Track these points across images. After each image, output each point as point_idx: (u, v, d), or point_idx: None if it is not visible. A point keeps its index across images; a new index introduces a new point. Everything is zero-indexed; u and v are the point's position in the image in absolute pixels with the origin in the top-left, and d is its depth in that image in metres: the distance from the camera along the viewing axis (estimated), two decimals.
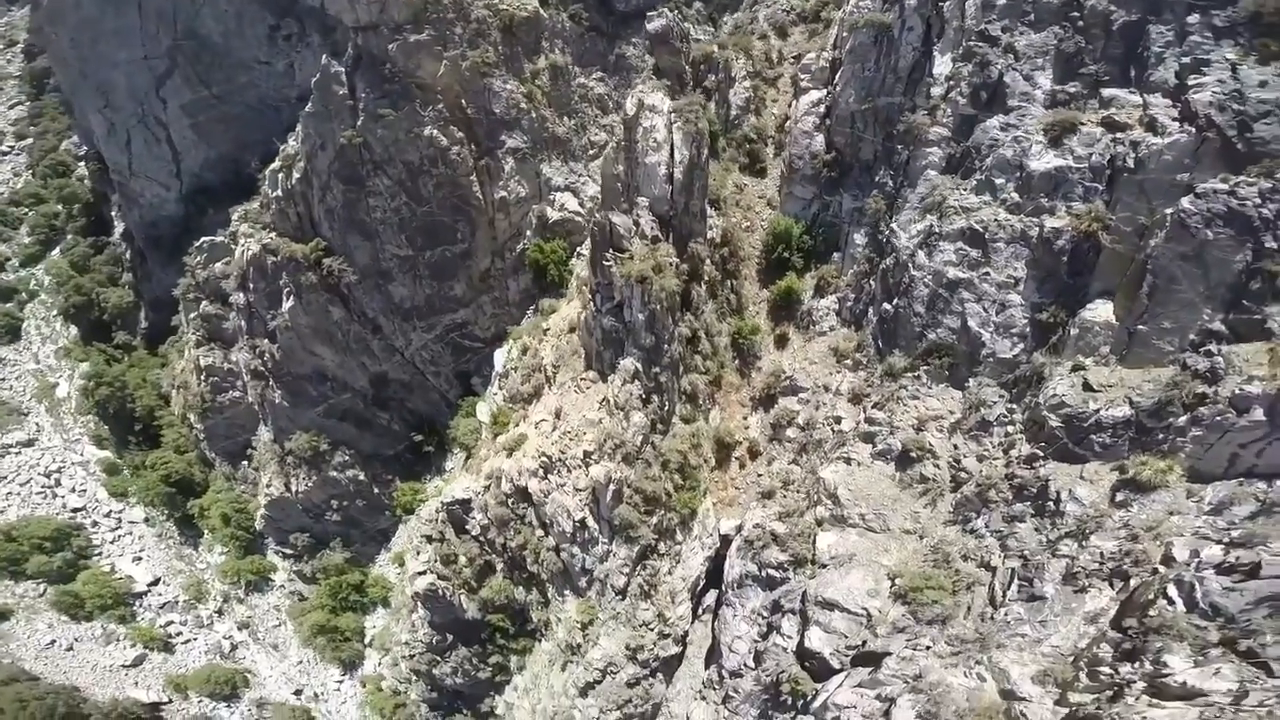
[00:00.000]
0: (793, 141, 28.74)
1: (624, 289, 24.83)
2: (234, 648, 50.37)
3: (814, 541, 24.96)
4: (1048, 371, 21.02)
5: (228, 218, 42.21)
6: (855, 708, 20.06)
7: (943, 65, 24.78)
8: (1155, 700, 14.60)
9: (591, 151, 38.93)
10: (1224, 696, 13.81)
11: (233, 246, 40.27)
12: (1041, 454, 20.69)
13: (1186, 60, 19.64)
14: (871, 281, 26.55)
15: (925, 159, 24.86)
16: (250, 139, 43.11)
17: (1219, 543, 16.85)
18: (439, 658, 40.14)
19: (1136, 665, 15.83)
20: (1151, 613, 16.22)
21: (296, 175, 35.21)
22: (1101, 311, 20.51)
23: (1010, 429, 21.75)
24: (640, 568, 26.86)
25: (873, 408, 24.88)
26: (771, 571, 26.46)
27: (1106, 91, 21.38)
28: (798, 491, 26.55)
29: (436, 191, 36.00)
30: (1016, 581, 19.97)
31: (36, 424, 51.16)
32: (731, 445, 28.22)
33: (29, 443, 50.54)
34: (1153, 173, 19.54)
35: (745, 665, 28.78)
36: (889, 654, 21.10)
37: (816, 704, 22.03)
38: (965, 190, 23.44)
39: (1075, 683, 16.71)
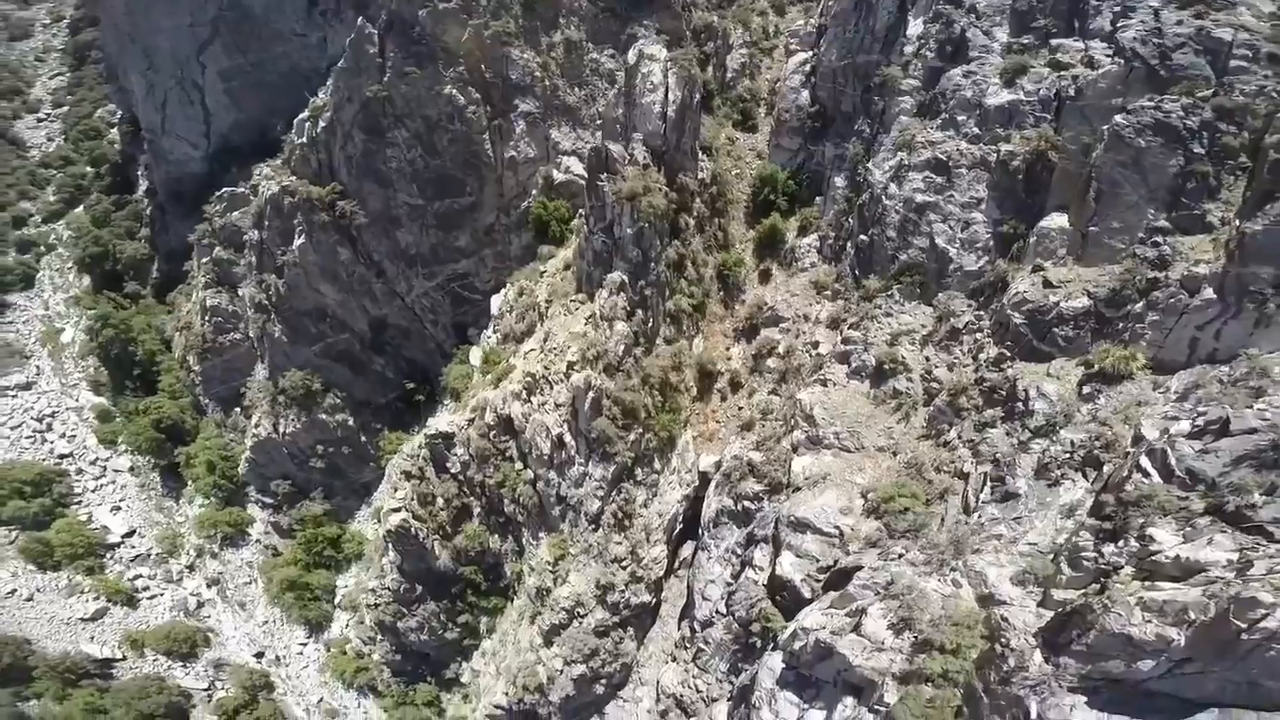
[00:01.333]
0: (781, 98, 31.92)
1: (614, 207, 27.22)
2: (200, 605, 50.32)
3: (789, 466, 25.87)
4: (1010, 276, 22.98)
5: (250, 175, 45.49)
6: (824, 628, 19.71)
7: (915, 27, 28.04)
8: (1149, 582, 13.91)
9: (599, 121, 42.35)
10: (1226, 569, 13.05)
11: (252, 198, 43.32)
12: (1008, 354, 22.28)
13: (1118, 9, 22.67)
14: (850, 219, 28.92)
15: (898, 107, 27.75)
16: (279, 105, 46.89)
17: (1188, 420, 16.77)
18: (405, 610, 40.23)
19: (1121, 545, 15.41)
20: (1128, 487, 15.99)
21: (322, 124, 38.52)
22: (1057, 220, 22.69)
23: (979, 335, 23.46)
24: (616, 492, 27.87)
25: (849, 329, 26.65)
26: (748, 504, 27.24)
27: (1054, 41, 24.36)
28: (776, 420, 27.89)
29: (450, 146, 39.15)
30: (989, 484, 20.77)
31: (37, 367, 53.01)
32: (714, 375, 29.78)
33: (27, 386, 52.20)
34: (1091, 99, 22.19)
35: (716, 613, 29.09)
36: (860, 568, 21.01)
37: (785, 636, 21.78)
38: (931, 128, 26.14)
39: (1057, 578, 16.52)
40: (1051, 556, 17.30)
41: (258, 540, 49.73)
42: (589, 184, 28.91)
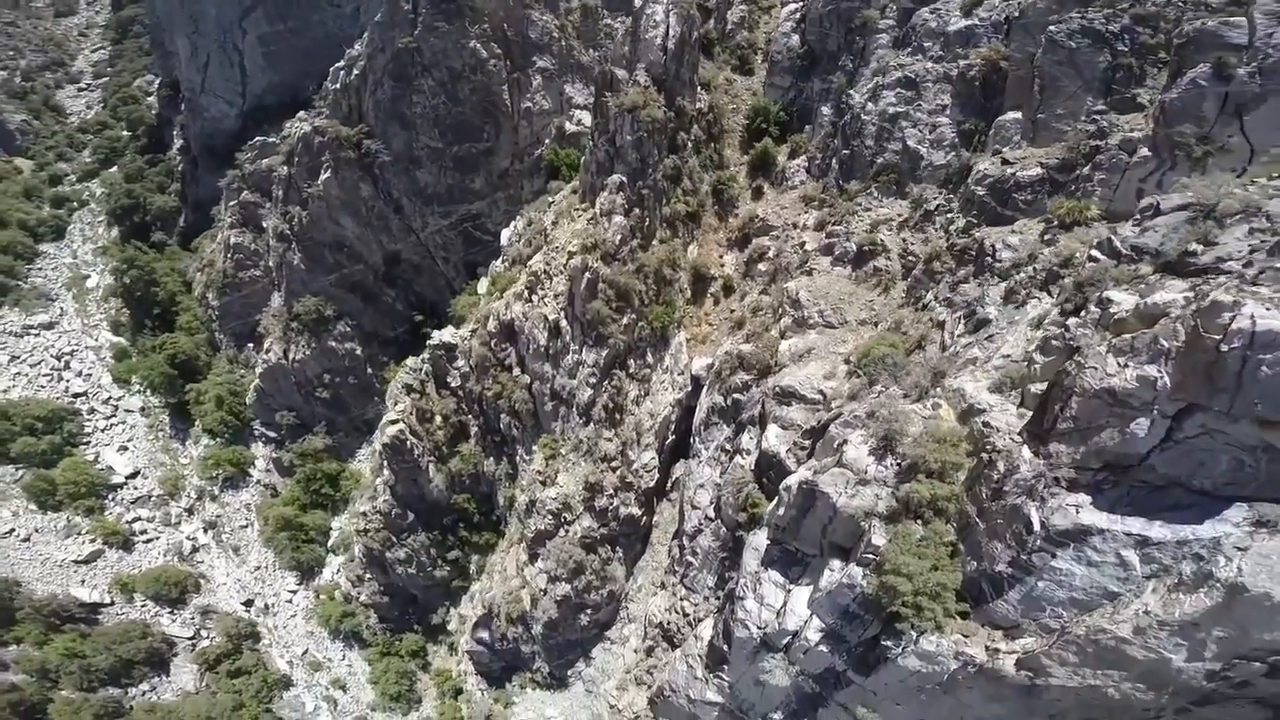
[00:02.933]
0: (773, 42, 36.36)
1: (617, 118, 31.17)
2: (194, 550, 52.31)
3: (776, 350, 28.68)
4: (973, 162, 26.44)
5: (281, 130, 50.44)
6: (806, 475, 19.97)
7: None
8: (1116, 335, 14.00)
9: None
10: (1184, 306, 12.92)
11: (281, 147, 48.00)
12: (975, 221, 25.44)
13: None
14: (835, 140, 32.70)
15: (876, 43, 31.96)
16: (311, 69, 52.48)
17: (1131, 221, 18.33)
18: (395, 539, 42.12)
19: (1084, 315, 15.87)
20: (1082, 273, 17.57)
21: (355, 72, 43.43)
22: (1011, 115, 26.30)
23: (949, 214, 26.70)
24: (608, 380, 30.62)
25: (833, 225, 30.01)
26: (738, 395, 29.77)
27: None
28: (765, 314, 30.88)
29: (471, 95, 43.81)
30: (962, 321, 23.39)
31: (61, 309, 57.07)
32: (708, 280, 33.01)
33: (50, 325, 56.12)
34: (1032, 18, 26.27)
35: (705, 518, 31.01)
36: (840, 415, 22.14)
37: (768, 509, 22.34)
38: (903, 55, 30.22)
39: (1031, 370, 16.80)
40: (1025, 361, 17.26)
41: (258, 481, 52.18)
42: (595, 102, 33.06)
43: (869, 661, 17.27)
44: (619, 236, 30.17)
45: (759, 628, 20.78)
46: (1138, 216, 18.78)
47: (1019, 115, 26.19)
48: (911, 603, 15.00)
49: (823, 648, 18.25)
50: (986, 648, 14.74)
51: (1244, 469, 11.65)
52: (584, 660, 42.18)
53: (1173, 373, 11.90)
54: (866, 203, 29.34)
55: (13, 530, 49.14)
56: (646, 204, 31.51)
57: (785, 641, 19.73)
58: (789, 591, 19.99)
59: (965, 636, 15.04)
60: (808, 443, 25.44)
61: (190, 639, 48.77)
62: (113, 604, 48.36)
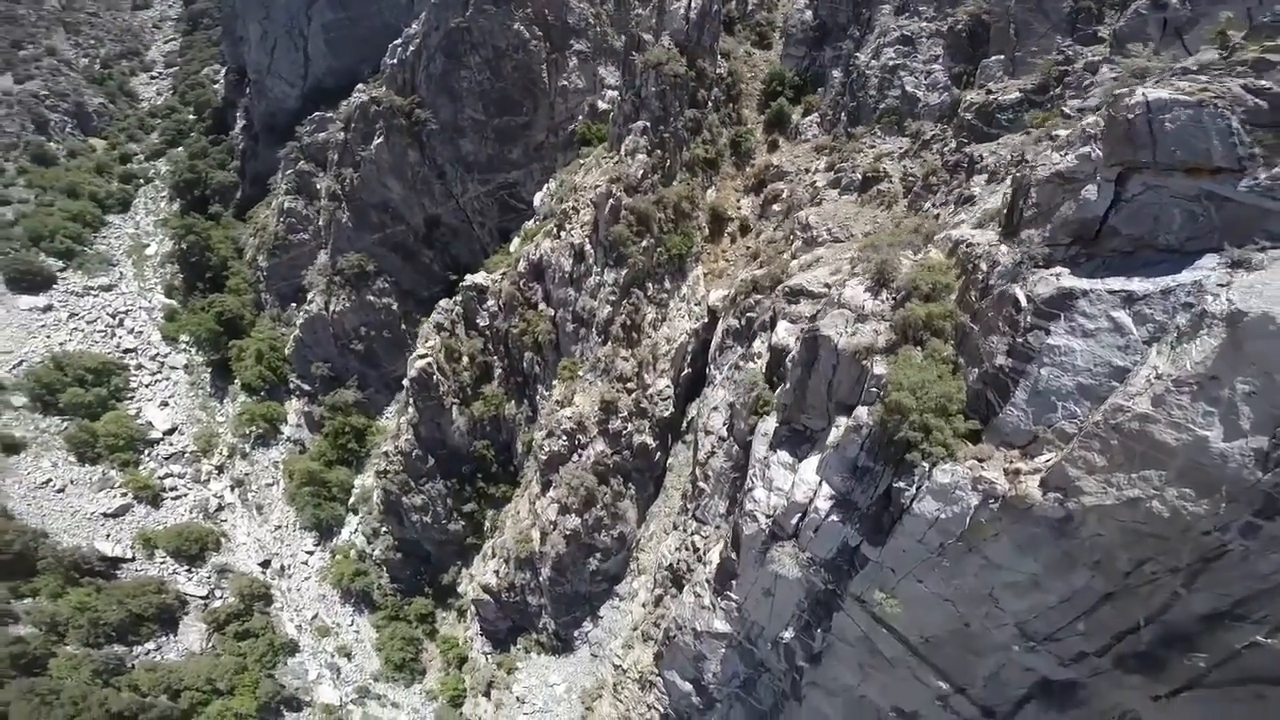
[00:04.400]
0: (788, 18, 43.00)
1: (642, 73, 37.68)
2: (220, 509, 58.20)
3: (787, 268, 33.66)
4: (962, 98, 31.85)
5: (337, 107, 58.98)
6: (808, 328, 22.93)
7: None
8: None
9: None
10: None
11: (338, 121, 56.33)
12: (965, 140, 30.63)
13: None
14: (844, 97, 38.57)
15: (880, 13, 38.23)
16: (367, 55, 61.47)
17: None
18: (414, 483, 47.20)
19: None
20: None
21: (411, 48, 51.68)
22: (994, 57, 31.82)
23: (943, 141, 31.96)
24: (626, 298, 35.93)
25: (840, 163, 35.47)
26: (750, 315, 34.90)
27: None
28: (779, 244, 36.12)
29: (513, 73, 51.49)
30: (952, 205, 28.08)
31: (120, 273, 65.67)
32: (725, 220, 38.54)
33: (108, 287, 64.66)
34: None
35: (718, 442, 35.54)
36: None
37: (776, 394, 26.10)
38: (901, 19, 36.29)
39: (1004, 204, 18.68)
40: (1001, 204, 18.21)
41: (288, 438, 58.34)
42: (623, 61, 39.78)
43: (882, 525, 17.61)
44: (641, 172, 36.15)
45: (768, 516, 22.68)
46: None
47: (1001, 57, 31.79)
48: (919, 423, 15.25)
49: (834, 518, 19.29)
50: (1005, 471, 14.37)
51: (1198, 220, 12.62)
52: (591, 619, 45.83)
53: (1103, 146, 14.01)
54: (870, 141, 34.85)
55: (50, 481, 55.24)
56: (668, 147, 37.60)
57: (795, 522, 21.19)
58: (797, 469, 21.21)
59: (980, 461, 14.74)
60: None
61: (204, 598, 53.34)
62: (133, 559, 53.34)
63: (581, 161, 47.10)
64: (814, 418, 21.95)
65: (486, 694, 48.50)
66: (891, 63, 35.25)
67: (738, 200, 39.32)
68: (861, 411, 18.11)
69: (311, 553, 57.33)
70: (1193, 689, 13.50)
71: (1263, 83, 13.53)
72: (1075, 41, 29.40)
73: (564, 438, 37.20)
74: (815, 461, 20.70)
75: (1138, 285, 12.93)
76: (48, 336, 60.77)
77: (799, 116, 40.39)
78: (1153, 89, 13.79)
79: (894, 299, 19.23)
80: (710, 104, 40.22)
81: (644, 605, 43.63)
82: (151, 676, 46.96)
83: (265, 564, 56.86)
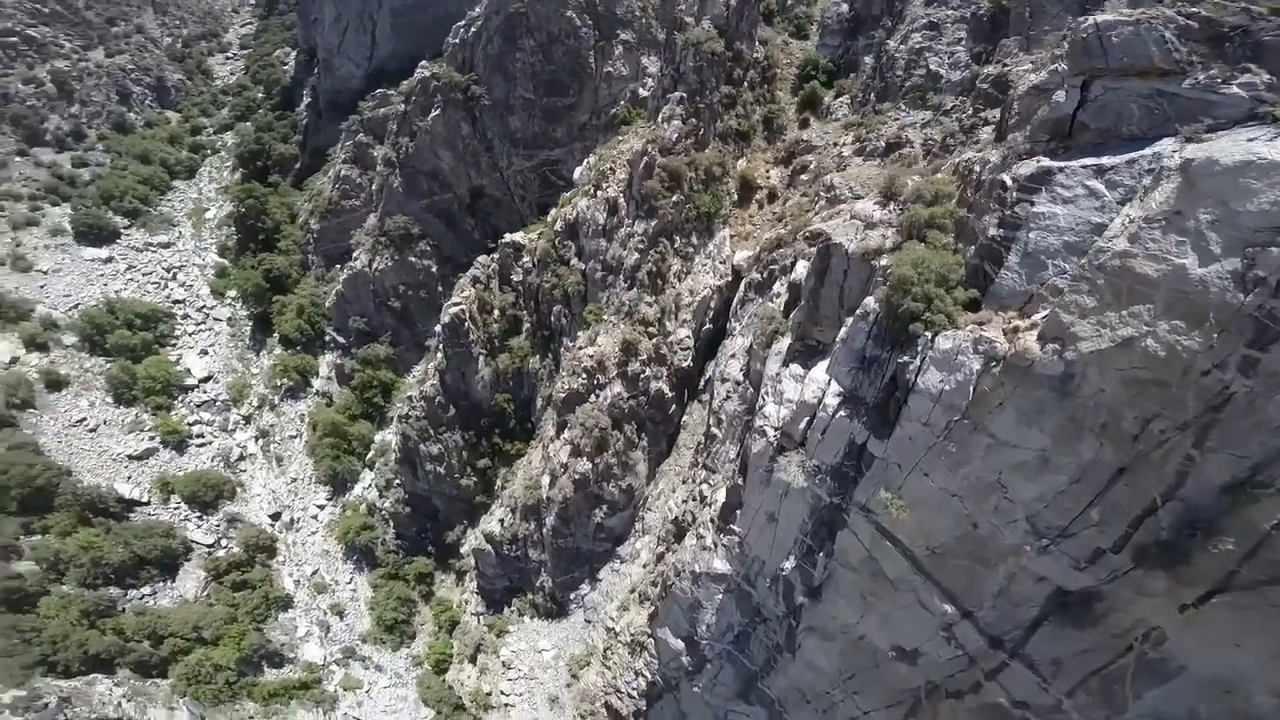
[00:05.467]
0: (825, 10, 48.18)
1: (682, 51, 42.94)
2: (241, 458, 63.27)
3: (809, 224, 37.65)
4: (982, 73, 35.97)
5: (398, 86, 66.24)
6: (821, 234, 27.30)
7: None
8: None
9: None
10: None
11: (398, 98, 63.36)
12: (981, 107, 34.41)
13: None
14: (874, 80, 43.10)
15: (911, 4, 43.00)
16: (428, 41, 68.87)
17: None
18: (433, 431, 51.39)
19: None
20: None
21: (472, 29, 58.49)
22: (1012, 39, 36.04)
23: (961, 110, 35.97)
24: (654, 248, 40.32)
25: (866, 134, 39.72)
26: (773, 266, 38.91)
27: None
28: (803, 205, 40.20)
29: (564, 57, 57.68)
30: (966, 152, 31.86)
31: (179, 233, 73.31)
32: (754, 188, 42.92)
33: (166, 245, 72.39)
34: None
35: (734, 386, 39.30)
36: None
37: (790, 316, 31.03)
38: (930, 8, 40.96)
39: (1006, 116, 20.50)
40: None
41: (317, 391, 63.68)
42: (665, 40, 45.19)
43: (888, 415, 19.11)
44: (675, 136, 41.03)
45: (776, 429, 24.44)
46: None
47: (1018, 37, 35.92)
48: (921, 294, 16.95)
49: (841, 414, 20.96)
50: (1004, 330, 15.82)
51: (1154, 113, 14.84)
52: (589, 582, 48.70)
53: (1067, 62, 17.05)
54: (895, 115, 39.10)
55: (84, 420, 60.92)
56: (702, 118, 42.52)
57: (803, 427, 22.91)
58: (803, 381, 23.12)
59: (980, 325, 16.25)
60: None
61: (209, 546, 57.51)
62: (148, 503, 58.09)
63: (620, 137, 52.56)
64: (826, 329, 23.67)
65: (472, 659, 51.37)
66: (918, 46, 39.73)
67: (767, 170, 43.74)
68: (868, 300, 19.79)
69: (322, 507, 61.61)
70: (1223, 592, 13.37)
71: (1193, 9, 17.56)
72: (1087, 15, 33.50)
73: (583, 376, 41.13)
74: (825, 364, 22.16)
75: (1106, 160, 15.13)
76: (105, 284, 68.28)
77: (830, 98, 45.01)
78: (1100, 15, 17.57)
79: (900, 209, 21.94)
80: (745, 83, 45.24)
81: (644, 566, 46.40)
82: (138, 621, 49.70)
83: (275, 516, 61.27)
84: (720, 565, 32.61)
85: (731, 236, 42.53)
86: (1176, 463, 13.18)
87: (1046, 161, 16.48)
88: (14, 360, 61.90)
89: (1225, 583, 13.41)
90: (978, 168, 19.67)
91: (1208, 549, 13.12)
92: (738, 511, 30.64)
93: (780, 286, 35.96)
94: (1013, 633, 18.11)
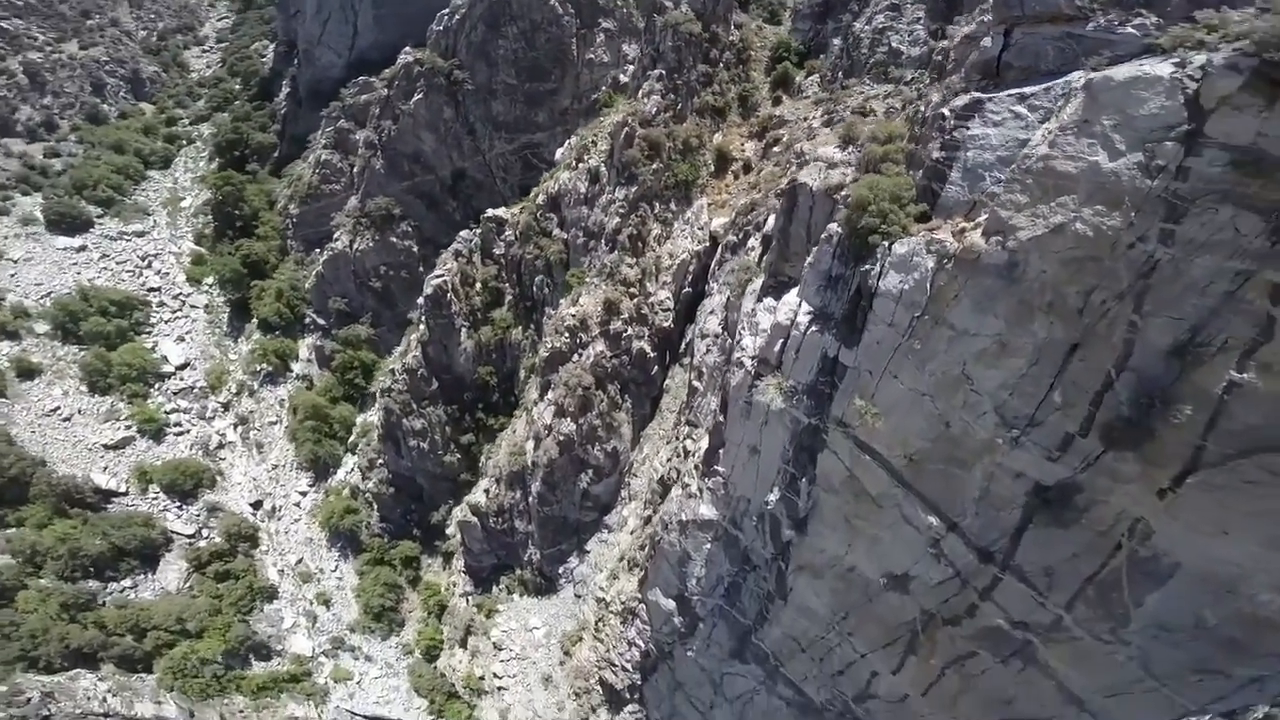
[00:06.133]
0: None
1: (661, 31, 46.42)
2: (220, 446, 64.44)
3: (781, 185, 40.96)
4: (937, 48, 39.67)
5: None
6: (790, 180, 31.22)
7: None
8: None
9: None
10: None
11: (383, 80, 66.14)
12: (936, 76, 38.06)
13: None
14: (841, 59, 46.89)
15: None
16: (409, 32, 71.83)
17: None
18: (415, 405, 53.39)
19: None
20: None
21: (456, 17, 61.68)
22: (965, 16, 39.90)
23: (921, 83, 39.55)
24: (635, 213, 43.24)
25: (834, 107, 43.24)
26: (747, 227, 42.03)
27: None
28: (775, 173, 43.42)
29: (545, 44, 61.07)
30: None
31: (154, 221, 74.93)
32: (730, 160, 46.17)
33: (141, 234, 73.89)
34: None
35: (714, 340, 41.96)
36: None
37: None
38: None
39: (944, 63, 23.62)
40: None
41: (296, 376, 65.28)
42: (645, 25, 48.65)
43: (855, 323, 21.29)
44: (654, 109, 44.31)
45: (753, 358, 26.97)
46: None
47: (971, 15, 39.81)
48: (877, 210, 19.59)
49: (813, 329, 23.25)
50: (953, 233, 18.27)
51: (1065, 52, 17.03)
52: (577, 554, 50.72)
53: (991, 14, 19.73)
54: (860, 89, 42.73)
55: (58, 409, 61.62)
56: (680, 94, 45.91)
57: (778, 350, 25.28)
58: (779, 304, 25.72)
59: (931, 231, 18.74)
60: None
61: (190, 537, 58.21)
62: (126, 493, 58.78)
63: (602, 120, 55.81)
64: (796, 265, 25.93)
65: (463, 643, 52.76)
66: (881, 26, 43.61)
67: (742, 144, 47.13)
68: (831, 225, 22.59)
69: (304, 494, 62.71)
70: (1195, 472, 14.33)
71: None
72: None
73: (566, 335, 43.68)
74: (795, 291, 24.78)
75: (1028, 89, 17.80)
76: (78, 273, 69.46)
77: (802, 78, 48.69)
78: None
79: (859, 151, 25.04)
80: (721, 64, 48.79)
81: (632, 533, 48.39)
82: (120, 614, 49.86)
83: (256, 505, 62.24)
84: (706, 511, 34.35)
85: (709, 205, 45.65)
86: (1122, 331, 14.68)
87: (977, 94, 19.66)
88: None
89: (1194, 461, 14.27)
90: (923, 108, 22.84)
91: (1169, 420, 14.08)
92: (720, 451, 32.61)
93: (754, 241, 38.99)
94: (999, 541, 19.00)
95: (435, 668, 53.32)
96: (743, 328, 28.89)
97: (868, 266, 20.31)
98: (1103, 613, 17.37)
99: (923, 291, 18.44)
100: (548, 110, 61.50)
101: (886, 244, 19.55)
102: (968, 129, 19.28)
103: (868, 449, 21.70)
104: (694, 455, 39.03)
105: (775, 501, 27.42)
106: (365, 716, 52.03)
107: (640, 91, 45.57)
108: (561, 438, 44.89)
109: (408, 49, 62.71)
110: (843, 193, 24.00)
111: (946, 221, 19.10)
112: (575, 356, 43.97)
